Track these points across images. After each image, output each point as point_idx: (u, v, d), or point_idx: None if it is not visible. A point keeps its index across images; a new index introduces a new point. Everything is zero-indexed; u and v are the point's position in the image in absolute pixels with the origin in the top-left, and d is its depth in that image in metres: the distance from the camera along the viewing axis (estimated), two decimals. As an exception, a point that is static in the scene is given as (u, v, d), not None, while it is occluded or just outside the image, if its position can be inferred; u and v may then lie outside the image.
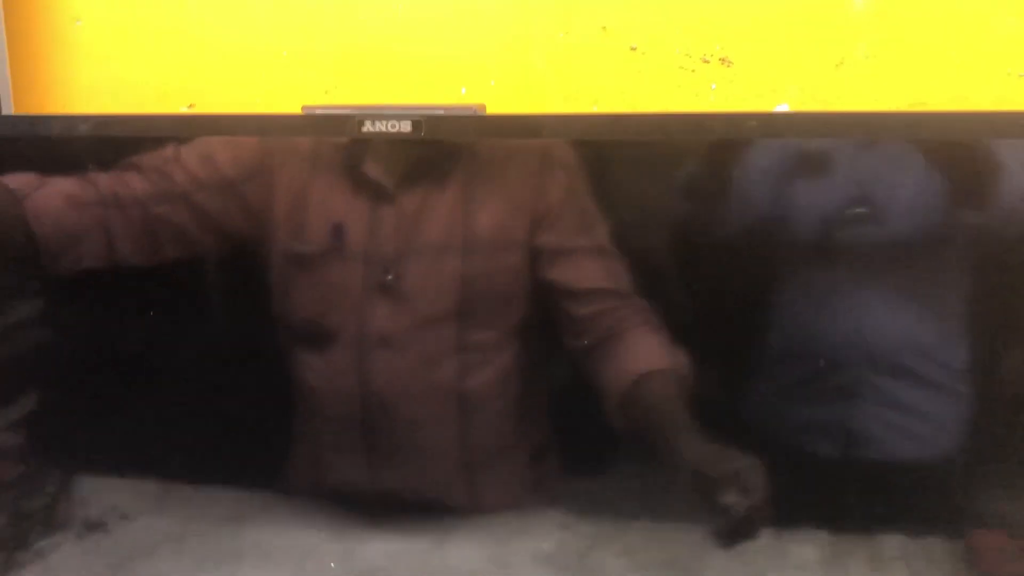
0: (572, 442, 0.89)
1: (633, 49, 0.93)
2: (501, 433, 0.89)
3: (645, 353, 0.82)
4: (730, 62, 0.91)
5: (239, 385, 0.95)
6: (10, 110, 1.13)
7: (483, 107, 0.75)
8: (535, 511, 0.91)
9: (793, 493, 0.85)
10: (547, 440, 0.89)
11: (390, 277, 0.83)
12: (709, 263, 0.82)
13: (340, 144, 0.81)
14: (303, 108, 0.77)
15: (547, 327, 0.85)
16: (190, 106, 0.98)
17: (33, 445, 1.03)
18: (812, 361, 0.80)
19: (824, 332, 0.79)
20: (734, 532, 0.83)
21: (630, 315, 0.81)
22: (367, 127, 0.75)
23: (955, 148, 0.74)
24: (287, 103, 0.97)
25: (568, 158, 0.80)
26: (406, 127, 0.73)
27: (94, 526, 1.01)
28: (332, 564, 0.92)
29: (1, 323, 1.01)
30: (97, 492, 1.02)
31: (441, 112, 0.72)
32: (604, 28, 0.95)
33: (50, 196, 0.89)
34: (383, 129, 0.74)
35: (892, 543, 0.84)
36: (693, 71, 0.93)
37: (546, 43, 0.97)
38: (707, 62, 0.92)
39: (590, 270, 0.82)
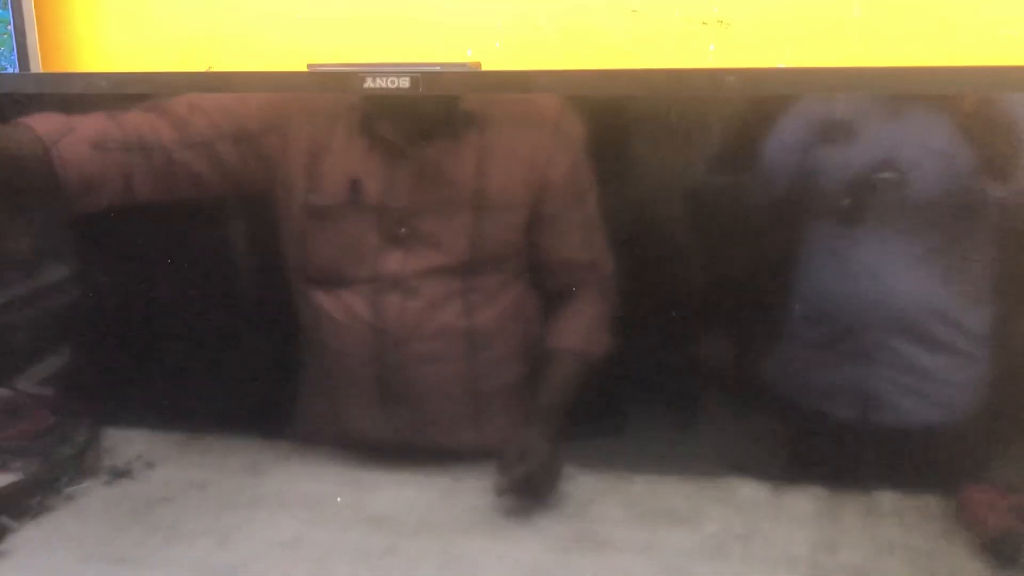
0: (585, 395, 0.93)
1: (634, 12, 0.95)
2: (505, 371, 0.92)
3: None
4: (728, 23, 0.93)
5: (258, 334, 0.99)
6: (34, 54, 1.16)
7: (478, 64, 0.77)
8: (542, 460, 0.94)
9: (795, 450, 0.88)
10: (558, 393, 0.94)
11: (403, 230, 0.87)
12: (726, 225, 0.84)
13: (356, 103, 0.85)
14: (309, 66, 0.81)
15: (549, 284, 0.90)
16: (209, 67, 1.01)
17: (64, 398, 1.08)
18: (830, 324, 0.82)
19: (843, 295, 0.81)
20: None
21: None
22: (368, 83, 0.79)
23: (952, 104, 0.75)
24: (301, 63, 1.00)
25: (574, 124, 0.83)
26: (405, 83, 0.76)
27: (120, 473, 1.06)
28: (338, 499, 0.96)
29: (31, 284, 1.04)
30: (123, 442, 1.06)
31: (438, 69, 0.75)
32: (605, -10, 0.96)
33: (76, 143, 0.93)
34: (383, 85, 0.77)
35: (887, 499, 0.86)
36: (692, 33, 0.95)
37: (550, 7, 0.99)
38: (706, 24, 0.94)
39: (570, 242, 0.86)
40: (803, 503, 0.87)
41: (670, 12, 0.94)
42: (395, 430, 0.96)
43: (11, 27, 1.18)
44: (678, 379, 0.87)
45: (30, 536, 1.08)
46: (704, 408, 0.87)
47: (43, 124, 0.92)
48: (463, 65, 0.78)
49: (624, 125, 0.82)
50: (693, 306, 0.85)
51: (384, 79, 0.77)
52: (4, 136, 0.94)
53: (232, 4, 1.10)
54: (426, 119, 0.84)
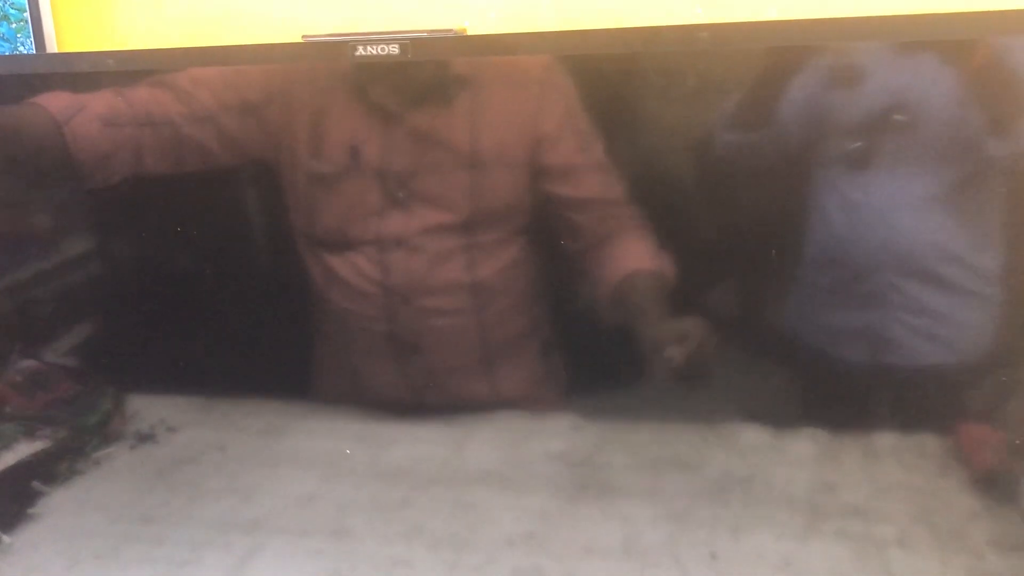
0: (576, 340, 0.95)
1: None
2: (511, 324, 0.95)
3: (633, 255, 0.88)
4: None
5: (270, 299, 1.02)
6: (50, 37, 1.20)
7: (464, 31, 0.80)
8: (547, 414, 0.97)
9: (801, 394, 0.91)
10: (554, 336, 0.96)
11: (401, 194, 0.90)
12: (733, 174, 0.86)
13: (351, 73, 0.87)
14: (303, 37, 0.83)
15: (548, 231, 0.92)
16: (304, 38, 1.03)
17: (88, 367, 1.12)
18: (840, 268, 0.84)
19: (852, 238, 0.82)
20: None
21: (624, 221, 0.87)
22: (360, 51, 0.82)
23: (961, 49, 0.77)
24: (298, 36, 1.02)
25: (564, 79, 0.85)
26: (394, 50, 0.79)
27: (144, 437, 1.10)
28: (347, 451, 0.99)
29: (53, 258, 1.07)
30: (146, 407, 1.10)
31: (424, 35, 0.78)
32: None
33: (88, 120, 0.96)
34: (374, 52, 0.80)
35: (888, 440, 0.89)
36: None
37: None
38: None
39: (588, 183, 0.88)
40: (805, 446, 0.89)
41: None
42: (407, 385, 0.99)
43: (27, 14, 1.21)
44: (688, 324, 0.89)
45: (61, 500, 1.13)
46: (713, 354, 0.89)
47: (54, 103, 0.95)
48: (449, 31, 0.81)
49: (613, 80, 0.84)
50: (703, 252, 0.88)
51: (374, 47, 0.80)
52: (17, 115, 0.97)
53: None
54: (418, 84, 0.87)
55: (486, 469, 0.98)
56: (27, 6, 1.22)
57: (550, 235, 0.91)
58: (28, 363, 1.13)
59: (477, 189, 0.88)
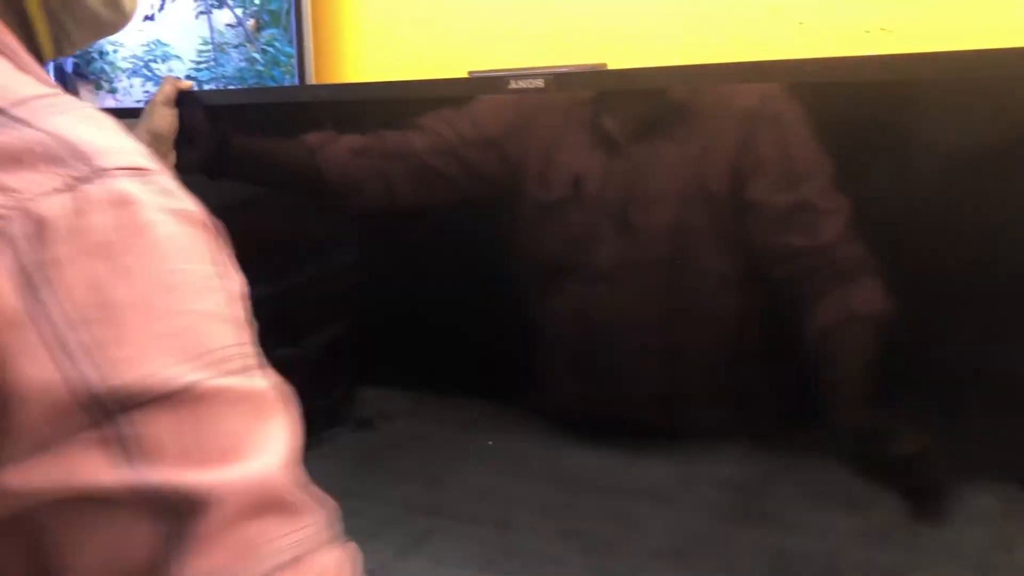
0: (775, 386, 0.95)
1: (800, 24, 1.00)
2: (709, 358, 0.97)
3: (849, 300, 0.87)
4: (891, 31, 0.95)
5: (485, 314, 1.12)
6: (311, 80, 1.42)
7: (604, 65, 0.87)
8: (724, 439, 0.98)
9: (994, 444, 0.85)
10: (748, 373, 0.96)
11: (614, 223, 0.96)
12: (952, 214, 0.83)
13: (584, 102, 0.97)
14: (469, 72, 0.94)
15: (759, 276, 0.92)
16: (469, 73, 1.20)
17: (329, 359, 1.28)
18: None
19: None
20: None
21: (841, 263, 0.86)
22: (512, 85, 0.95)
23: None
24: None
25: (783, 114, 0.86)
26: (539, 83, 0.90)
27: (364, 424, 1.24)
28: (489, 442, 1.05)
29: (317, 268, 1.26)
30: (369, 398, 1.23)
31: (566, 70, 0.86)
32: (773, 6, 1.02)
33: (338, 151, 1.17)
34: (523, 86, 0.93)
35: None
36: (856, 41, 0.98)
37: (721, 25, 1.05)
38: (868, 33, 0.96)
39: (800, 227, 0.87)
40: (987, 500, 0.85)
41: (835, 22, 0.98)
42: (595, 402, 1.04)
43: (294, 59, 1.44)
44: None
45: None
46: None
47: (309, 136, 1.18)
48: (591, 66, 0.88)
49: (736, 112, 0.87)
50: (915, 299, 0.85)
51: (524, 81, 0.92)
52: (279, 144, 1.23)
53: (483, 21, 1.32)
54: (647, 116, 0.92)
55: (651, 485, 1.01)
56: (295, 52, 1.45)
57: (760, 281, 0.93)
58: (282, 351, 1.29)
59: (685, 218, 0.91)
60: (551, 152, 0.99)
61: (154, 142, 1.23)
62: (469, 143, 1.04)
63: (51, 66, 1.61)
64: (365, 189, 1.16)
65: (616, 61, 1.05)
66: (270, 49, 1.52)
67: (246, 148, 1.26)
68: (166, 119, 1.24)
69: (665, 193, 0.92)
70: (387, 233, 1.18)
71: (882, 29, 0.95)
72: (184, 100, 1.25)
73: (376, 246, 1.21)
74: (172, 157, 1.26)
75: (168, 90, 1.24)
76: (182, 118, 1.25)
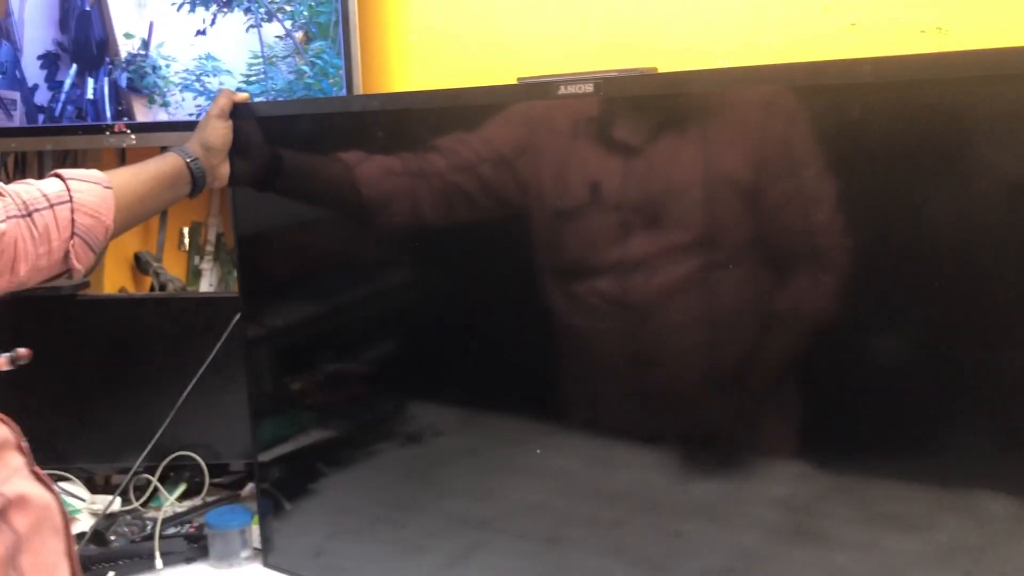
0: (812, 379, 0.93)
1: (853, 25, 0.97)
2: (745, 350, 0.97)
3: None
4: (947, 31, 0.91)
5: (524, 327, 1.12)
6: (358, 90, 1.44)
7: (655, 69, 0.85)
8: (777, 457, 0.96)
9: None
10: (788, 373, 0.95)
11: (638, 221, 0.98)
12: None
13: (593, 116, 0.99)
14: (518, 79, 0.93)
15: (775, 259, 0.93)
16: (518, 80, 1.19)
17: (380, 375, 1.28)
18: None
19: None
20: None
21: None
22: (561, 91, 0.96)
23: None
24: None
25: (788, 110, 0.88)
26: (588, 88, 0.87)
27: (413, 438, 1.25)
28: (538, 451, 1.04)
29: (369, 288, 1.27)
30: (420, 413, 1.24)
31: (615, 75, 0.85)
32: (825, 7, 0.99)
33: (371, 167, 1.20)
34: (573, 91, 0.93)
35: None
36: (911, 42, 0.95)
37: (773, 29, 1.03)
38: (924, 32, 0.93)
39: (802, 214, 0.89)
40: None
41: (889, 23, 0.94)
42: (643, 408, 1.04)
43: (342, 71, 1.45)
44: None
45: (335, 480, 1.32)
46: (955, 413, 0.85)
47: (345, 154, 1.21)
48: (641, 70, 0.87)
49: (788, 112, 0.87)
50: (932, 302, 0.84)
51: (573, 86, 0.91)
52: (320, 159, 1.25)
53: (532, 29, 1.35)
54: (657, 119, 0.95)
55: (703, 503, 1.00)
56: (343, 64, 1.45)
57: (777, 263, 0.93)
58: (332, 366, 1.30)
59: (708, 213, 0.94)
60: (563, 166, 1.02)
61: (207, 154, 1.25)
62: (484, 161, 1.07)
63: (105, 81, 1.64)
64: (397, 205, 1.18)
65: (667, 66, 1.04)
66: (318, 61, 1.54)
67: (294, 162, 1.28)
68: (219, 131, 1.26)
69: (684, 188, 0.94)
70: (432, 250, 1.18)
71: (938, 28, 0.92)
72: (239, 112, 1.28)
73: (424, 264, 1.21)
74: (225, 169, 1.28)
75: (223, 103, 1.26)
76: (236, 130, 1.27)
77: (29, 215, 1.07)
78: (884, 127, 0.82)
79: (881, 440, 0.89)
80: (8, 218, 1.04)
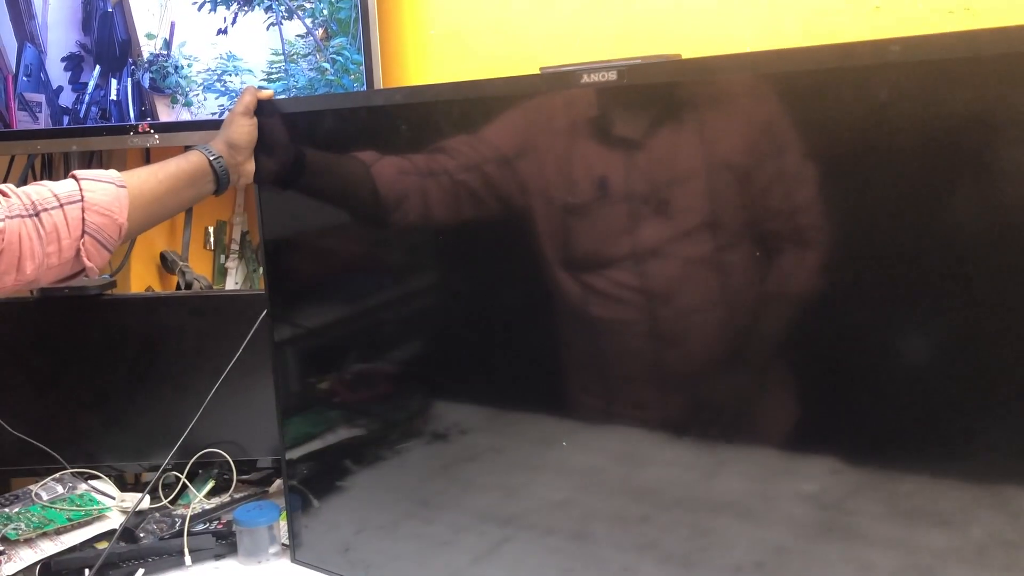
0: (834, 369, 0.92)
1: (877, 8, 0.95)
2: (763, 333, 0.96)
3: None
4: (975, 11, 0.89)
5: (545, 322, 1.12)
6: (378, 86, 1.44)
7: (678, 56, 0.84)
8: (807, 454, 0.95)
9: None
10: (807, 359, 0.94)
11: (649, 210, 0.98)
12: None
13: (596, 118, 1.00)
14: (540, 68, 0.92)
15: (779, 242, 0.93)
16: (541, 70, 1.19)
17: (406, 374, 1.28)
18: None
19: None
20: None
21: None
22: (584, 79, 0.95)
23: None
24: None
25: (772, 96, 0.89)
26: (612, 76, 0.88)
27: (439, 436, 1.25)
28: (564, 443, 1.04)
29: (396, 290, 1.27)
30: (446, 412, 1.24)
31: (639, 61, 0.84)
32: (850, -10, 0.98)
33: (386, 165, 1.20)
34: (596, 79, 0.91)
35: None
36: (938, 23, 0.93)
37: (794, 14, 1.01)
38: (952, 13, 0.91)
39: (792, 199, 0.90)
40: None
41: (914, 3, 0.92)
42: (667, 396, 1.04)
43: (363, 67, 1.45)
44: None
45: (363, 477, 1.32)
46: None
47: (361, 153, 1.22)
48: (662, 56, 0.86)
49: (816, 96, 0.86)
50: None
51: (596, 74, 0.90)
52: (338, 158, 1.26)
53: (552, 19, 1.31)
54: (653, 113, 0.96)
55: (731, 500, 0.99)
56: (363, 60, 1.45)
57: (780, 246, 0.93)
58: (359, 366, 1.31)
59: (714, 197, 0.94)
60: (568, 161, 1.03)
61: (232, 152, 1.25)
62: (488, 161, 1.08)
63: (128, 82, 1.66)
64: (414, 203, 1.18)
65: (690, 53, 1.03)
66: (339, 58, 1.54)
67: (318, 158, 1.28)
68: (244, 129, 1.27)
69: (688, 175, 0.95)
70: (453, 248, 1.18)
71: (966, 9, 0.90)
72: (263, 110, 1.28)
73: (445, 262, 1.21)
74: (251, 167, 1.29)
75: (248, 100, 1.27)
76: (261, 127, 1.28)
77: (36, 215, 1.08)
78: (915, 109, 0.81)
79: (912, 435, 0.87)
80: (9, 217, 1.05)
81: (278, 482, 1.64)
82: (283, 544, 1.46)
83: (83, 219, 1.12)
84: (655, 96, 0.96)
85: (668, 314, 1.01)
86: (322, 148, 1.27)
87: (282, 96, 1.55)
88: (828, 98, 0.85)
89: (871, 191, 0.85)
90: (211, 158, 1.24)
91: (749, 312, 0.96)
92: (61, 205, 1.10)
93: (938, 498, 0.86)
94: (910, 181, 0.83)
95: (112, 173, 1.18)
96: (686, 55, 0.92)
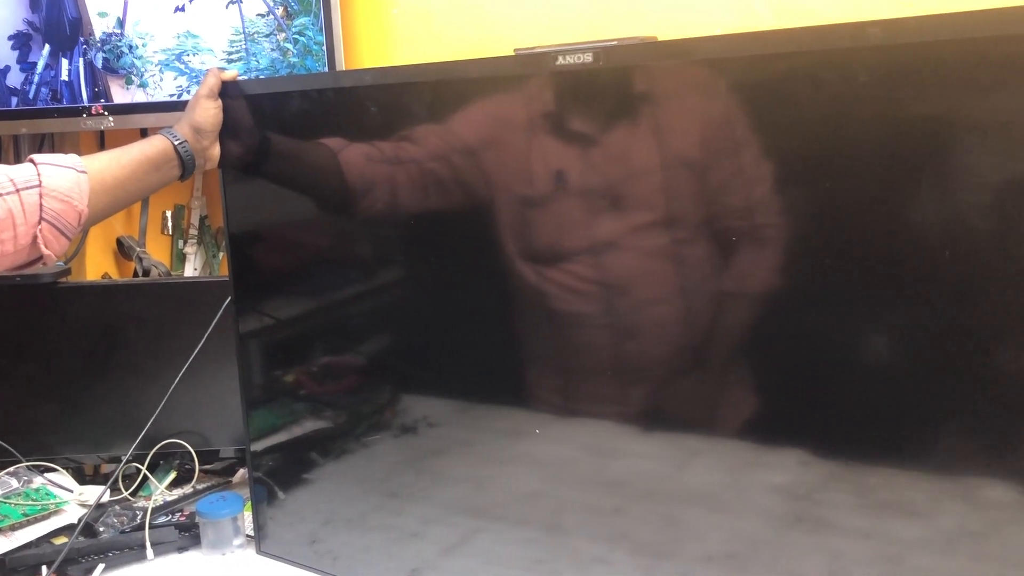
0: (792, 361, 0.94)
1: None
2: (722, 328, 0.98)
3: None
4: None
5: (510, 316, 1.13)
6: (340, 67, 1.43)
7: (654, 38, 0.84)
8: (777, 446, 0.96)
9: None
10: (768, 352, 0.96)
11: (606, 203, 1.00)
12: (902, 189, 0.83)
13: (552, 112, 1.01)
14: (515, 50, 0.92)
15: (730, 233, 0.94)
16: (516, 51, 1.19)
17: (374, 367, 1.28)
18: None
19: None
20: None
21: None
22: (560, 61, 0.95)
23: None
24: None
25: (727, 84, 0.90)
26: (588, 58, 0.92)
27: (408, 429, 1.25)
28: (537, 431, 1.07)
29: (366, 283, 1.26)
30: (415, 405, 1.24)
31: (615, 43, 0.83)
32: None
33: (353, 152, 1.19)
34: (572, 62, 0.94)
35: None
36: (911, 6, 0.92)
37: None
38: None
39: (746, 190, 0.91)
40: None
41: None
42: (632, 390, 1.05)
43: (324, 47, 1.44)
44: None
45: (329, 470, 1.32)
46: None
47: (328, 140, 1.21)
48: (638, 39, 0.86)
49: (790, 80, 0.86)
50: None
51: (572, 56, 0.93)
52: (306, 145, 1.25)
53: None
54: (608, 108, 0.97)
55: (703, 491, 1.01)
56: (324, 39, 1.44)
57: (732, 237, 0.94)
58: (326, 357, 1.29)
59: (668, 190, 0.96)
60: (527, 155, 1.04)
61: (197, 136, 1.23)
62: (455, 151, 1.09)
63: (80, 62, 1.61)
64: (379, 192, 1.17)
65: (665, 35, 1.03)
66: (301, 38, 1.51)
67: (285, 142, 1.26)
68: (209, 112, 1.25)
69: (644, 168, 0.96)
70: (418, 240, 1.18)
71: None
72: (228, 91, 1.26)
73: (412, 254, 1.20)
74: (216, 151, 1.27)
75: (212, 82, 1.25)
76: (226, 111, 1.26)
77: None
78: (890, 92, 0.81)
79: (879, 427, 0.89)
80: None
81: (241, 472, 1.63)
82: (248, 536, 1.46)
83: (41, 205, 1.09)
84: (627, 83, 0.96)
85: (629, 307, 1.02)
86: (289, 132, 1.26)
87: (244, 78, 1.52)
88: (805, 86, 0.84)
89: (840, 184, 0.85)
90: (176, 142, 1.22)
91: (713, 305, 0.97)
92: (17, 190, 1.08)
93: (906, 490, 0.89)
94: (874, 177, 0.84)
95: (72, 158, 1.16)
96: (662, 38, 0.93)
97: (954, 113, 0.79)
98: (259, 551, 1.40)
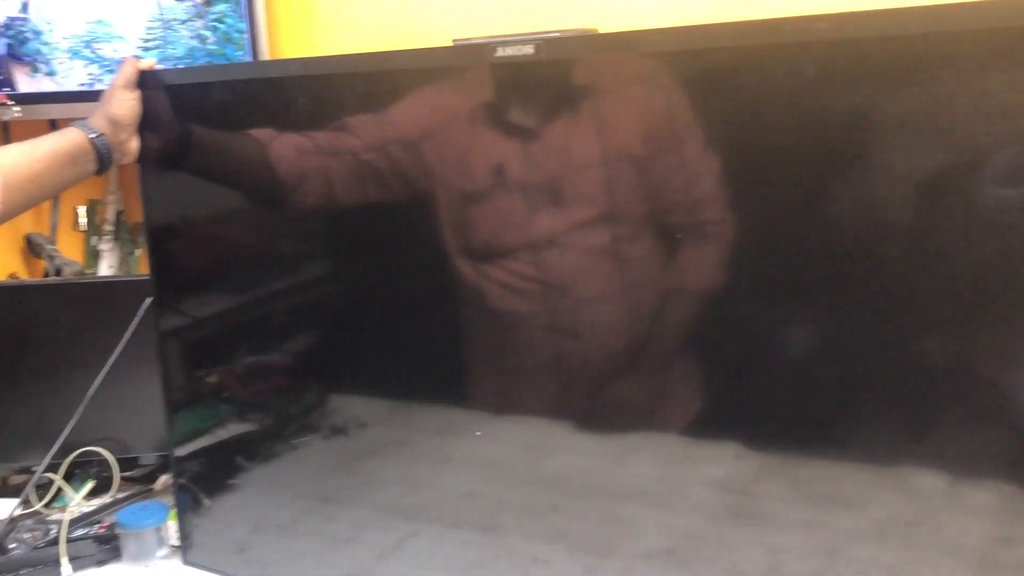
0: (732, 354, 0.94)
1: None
2: (663, 323, 0.98)
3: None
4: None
5: (444, 312, 1.10)
6: (264, 56, 1.40)
7: (595, 30, 0.83)
8: (711, 440, 0.97)
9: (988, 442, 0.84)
10: (710, 347, 0.96)
11: (546, 199, 0.99)
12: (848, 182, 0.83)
13: (492, 104, 1.00)
14: (453, 40, 0.90)
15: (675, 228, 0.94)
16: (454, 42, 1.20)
17: (300, 367, 1.25)
18: None
19: None
20: None
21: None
22: (499, 52, 0.94)
23: None
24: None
25: (668, 76, 0.90)
26: (529, 50, 0.90)
27: (337, 430, 1.22)
28: (478, 432, 1.07)
29: (289, 279, 1.23)
30: (344, 405, 1.22)
31: (556, 34, 0.82)
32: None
33: (284, 144, 1.16)
34: (512, 53, 0.92)
35: None
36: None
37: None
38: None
39: (689, 183, 0.91)
40: (986, 497, 0.84)
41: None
42: (569, 386, 1.04)
43: (247, 35, 1.39)
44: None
45: (257, 474, 1.30)
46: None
47: (257, 132, 1.17)
48: (580, 30, 0.85)
49: (728, 74, 0.86)
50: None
51: (512, 48, 0.91)
52: (231, 136, 1.20)
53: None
54: (548, 101, 0.96)
55: (640, 487, 1.01)
56: (247, 28, 1.39)
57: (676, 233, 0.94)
58: (251, 358, 1.26)
59: (610, 186, 0.95)
60: (466, 148, 1.03)
61: (114, 128, 1.18)
62: (393, 142, 1.06)
63: (-17, 49, 1.54)
64: (310, 185, 1.14)
65: (606, 27, 1.02)
66: (221, 25, 1.47)
67: (208, 135, 1.22)
68: (126, 103, 1.19)
69: (585, 163, 0.96)
70: (349, 236, 1.16)
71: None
72: (146, 81, 1.20)
73: (341, 249, 1.18)
74: (134, 144, 1.22)
75: (128, 72, 1.19)
76: (145, 101, 1.20)
77: None
78: (841, 87, 0.81)
79: (811, 420, 0.90)
80: None
81: (163, 478, 1.58)
82: (172, 546, 1.41)
83: None
84: (568, 75, 0.95)
85: (570, 306, 1.02)
86: (212, 124, 1.21)
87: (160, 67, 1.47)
88: (748, 80, 0.84)
89: (783, 179, 0.86)
90: (91, 136, 1.16)
91: (654, 303, 0.97)
92: None
93: (839, 481, 0.90)
94: (814, 170, 0.84)
95: None
96: (603, 30, 0.92)
97: (896, 107, 0.79)
98: (185, 562, 1.35)
